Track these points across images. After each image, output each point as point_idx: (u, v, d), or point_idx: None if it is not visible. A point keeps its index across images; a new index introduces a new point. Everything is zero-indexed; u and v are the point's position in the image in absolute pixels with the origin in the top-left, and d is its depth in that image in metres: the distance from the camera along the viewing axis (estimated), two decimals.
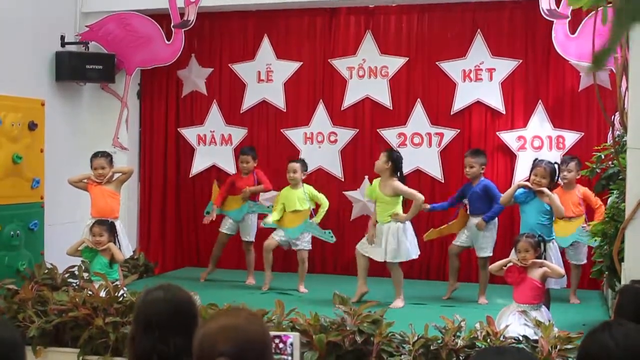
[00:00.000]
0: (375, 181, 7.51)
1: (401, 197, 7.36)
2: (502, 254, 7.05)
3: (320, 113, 9.21)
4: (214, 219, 8.50)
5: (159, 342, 3.01)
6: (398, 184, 7.31)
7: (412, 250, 7.38)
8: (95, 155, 7.73)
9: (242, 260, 8.89)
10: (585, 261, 7.61)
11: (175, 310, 3.08)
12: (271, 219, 8.01)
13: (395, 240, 7.27)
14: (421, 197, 7.36)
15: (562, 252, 7.24)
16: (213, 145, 9.52)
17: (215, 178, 9.04)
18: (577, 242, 7.55)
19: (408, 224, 7.39)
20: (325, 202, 8.08)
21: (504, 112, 8.68)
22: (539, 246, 6.05)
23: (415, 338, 5.43)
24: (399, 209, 7.34)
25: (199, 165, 9.57)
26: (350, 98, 9.11)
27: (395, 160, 7.38)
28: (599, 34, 5.31)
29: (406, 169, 8.51)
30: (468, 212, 7.68)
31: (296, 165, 8.05)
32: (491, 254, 7.56)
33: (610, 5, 4.85)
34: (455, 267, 7.82)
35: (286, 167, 8.14)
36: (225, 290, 7.96)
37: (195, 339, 2.43)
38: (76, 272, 7.29)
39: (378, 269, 7.79)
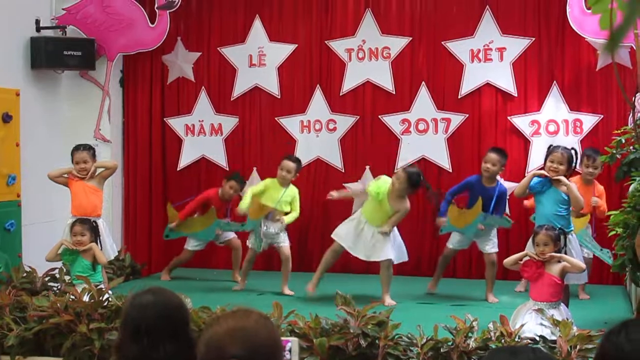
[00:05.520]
0: (386, 184, 7.48)
1: None
2: (516, 249, 7.06)
3: (318, 99, 9.19)
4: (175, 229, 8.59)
5: (148, 349, 3.02)
6: (407, 205, 7.41)
7: (403, 253, 7.59)
8: (77, 148, 7.71)
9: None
10: (591, 255, 7.63)
11: (166, 315, 3.09)
12: (244, 205, 8.03)
13: (389, 240, 7.41)
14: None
15: None
16: (202, 135, 9.51)
17: (170, 201, 8.99)
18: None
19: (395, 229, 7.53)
20: (297, 211, 8.12)
21: (515, 95, 8.67)
22: (559, 239, 6.04)
23: (424, 340, 5.44)
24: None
25: (187, 157, 9.56)
26: (350, 82, 9.10)
27: (415, 186, 7.48)
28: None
29: (411, 157, 8.56)
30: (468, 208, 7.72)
31: (292, 166, 8.03)
32: (497, 250, 7.62)
33: None
34: (441, 273, 7.94)
35: (281, 159, 8.14)
36: (218, 293, 7.97)
37: (201, 341, 2.46)
38: (57, 275, 7.27)
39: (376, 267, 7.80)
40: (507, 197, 7.77)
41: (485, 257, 7.72)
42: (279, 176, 8.04)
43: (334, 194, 7.92)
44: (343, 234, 7.61)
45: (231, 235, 8.60)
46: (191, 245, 8.66)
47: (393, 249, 7.44)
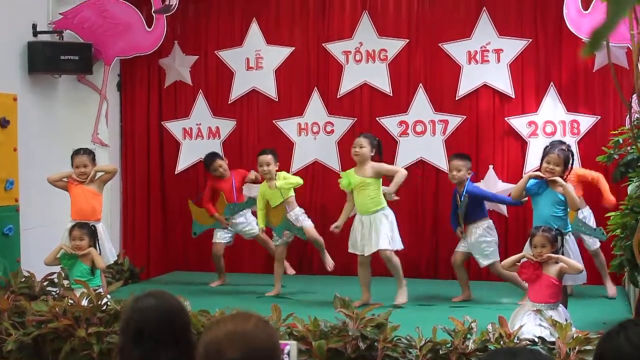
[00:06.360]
0: (349, 171, 7.63)
1: (380, 180, 7.49)
2: (514, 250, 7.07)
3: (315, 102, 9.21)
4: (229, 224, 8.60)
5: (149, 352, 3.01)
6: (379, 164, 7.50)
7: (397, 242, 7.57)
8: (77, 152, 7.72)
9: (233, 263, 8.93)
10: (599, 244, 7.62)
11: (168, 319, 3.08)
12: (258, 228, 8.19)
13: (386, 227, 7.40)
14: (404, 171, 7.56)
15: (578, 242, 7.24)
16: (200, 139, 9.52)
17: (188, 198, 9.04)
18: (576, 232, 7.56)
19: (392, 214, 7.50)
20: (299, 182, 8.18)
21: (513, 96, 8.69)
22: (556, 240, 6.05)
23: (423, 342, 5.45)
24: (380, 191, 7.47)
25: (185, 161, 9.57)
26: (347, 85, 9.11)
27: (379, 147, 7.62)
28: None
29: (409, 159, 8.59)
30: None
31: (269, 157, 8.07)
32: (497, 259, 7.52)
33: None
34: (464, 277, 7.85)
35: (279, 160, 8.18)
36: (217, 296, 7.97)
37: (200, 345, 2.46)
38: (56, 280, 7.29)
39: (382, 270, 7.81)
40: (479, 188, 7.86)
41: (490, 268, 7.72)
42: (262, 174, 8.12)
43: (340, 224, 7.82)
44: (351, 242, 7.64)
45: (255, 230, 8.46)
46: (219, 238, 8.66)
47: (387, 238, 7.42)
